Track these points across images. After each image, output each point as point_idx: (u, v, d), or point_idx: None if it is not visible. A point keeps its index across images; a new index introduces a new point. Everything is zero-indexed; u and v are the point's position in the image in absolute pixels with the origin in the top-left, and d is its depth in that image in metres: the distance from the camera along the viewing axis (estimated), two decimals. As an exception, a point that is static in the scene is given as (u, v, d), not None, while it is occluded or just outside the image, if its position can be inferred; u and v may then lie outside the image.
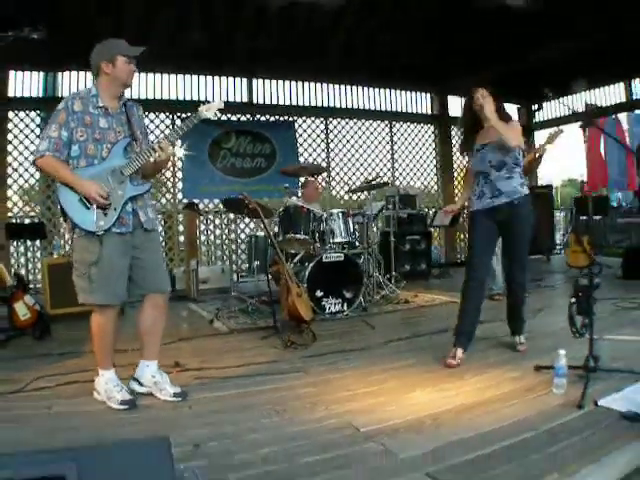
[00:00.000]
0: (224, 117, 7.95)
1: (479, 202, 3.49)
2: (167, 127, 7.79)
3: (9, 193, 6.96)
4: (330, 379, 3.14)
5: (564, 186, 20.27)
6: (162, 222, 7.69)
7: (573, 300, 2.88)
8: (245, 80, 8.27)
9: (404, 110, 9.53)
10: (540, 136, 10.10)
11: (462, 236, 9.55)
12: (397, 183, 9.14)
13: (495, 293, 5.45)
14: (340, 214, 5.30)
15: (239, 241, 8.16)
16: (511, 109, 10.22)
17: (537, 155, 5.00)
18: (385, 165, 9.40)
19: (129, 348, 3.35)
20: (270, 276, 4.74)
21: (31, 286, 5.94)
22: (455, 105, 9.69)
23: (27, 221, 6.98)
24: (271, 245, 4.67)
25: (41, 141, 2.70)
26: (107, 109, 2.78)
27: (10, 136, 6.89)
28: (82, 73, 7.22)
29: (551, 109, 10.14)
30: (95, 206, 2.67)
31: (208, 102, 2.85)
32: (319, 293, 4.99)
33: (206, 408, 2.71)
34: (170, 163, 7.68)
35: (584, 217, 7.79)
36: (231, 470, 1.99)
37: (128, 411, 2.66)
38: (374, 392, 2.88)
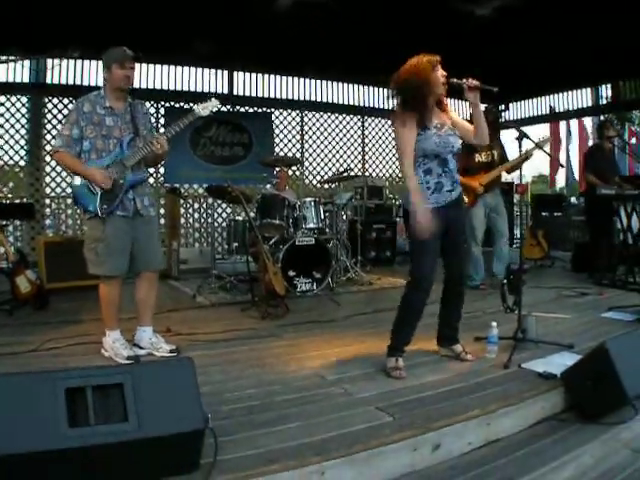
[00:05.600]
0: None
1: (438, 196, 2.95)
2: (152, 115, 8.12)
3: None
4: (302, 342, 3.68)
5: (534, 182, 21.06)
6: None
7: (505, 281, 3.48)
8: (226, 72, 8.66)
9: (375, 105, 10.03)
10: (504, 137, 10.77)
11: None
12: (367, 175, 9.68)
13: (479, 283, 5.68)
14: (312, 202, 5.79)
15: (216, 224, 8.60)
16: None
17: (523, 159, 4.84)
18: (356, 157, 9.90)
19: (128, 317, 3.69)
20: (250, 256, 5.24)
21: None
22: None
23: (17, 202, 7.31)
24: (250, 228, 5.16)
25: (56, 139, 3.22)
26: (113, 109, 3.22)
27: (1, 120, 7.18)
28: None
29: (519, 110, 10.81)
30: (100, 192, 3.13)
31: (205, 101, 3.32)
32: (292, 273, 5.48)
33: (198, 362, 3.11)
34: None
35: (545, 213, 8.48)
36: (223, 404, 2.52)
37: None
38: (338, 352, 3.42)
